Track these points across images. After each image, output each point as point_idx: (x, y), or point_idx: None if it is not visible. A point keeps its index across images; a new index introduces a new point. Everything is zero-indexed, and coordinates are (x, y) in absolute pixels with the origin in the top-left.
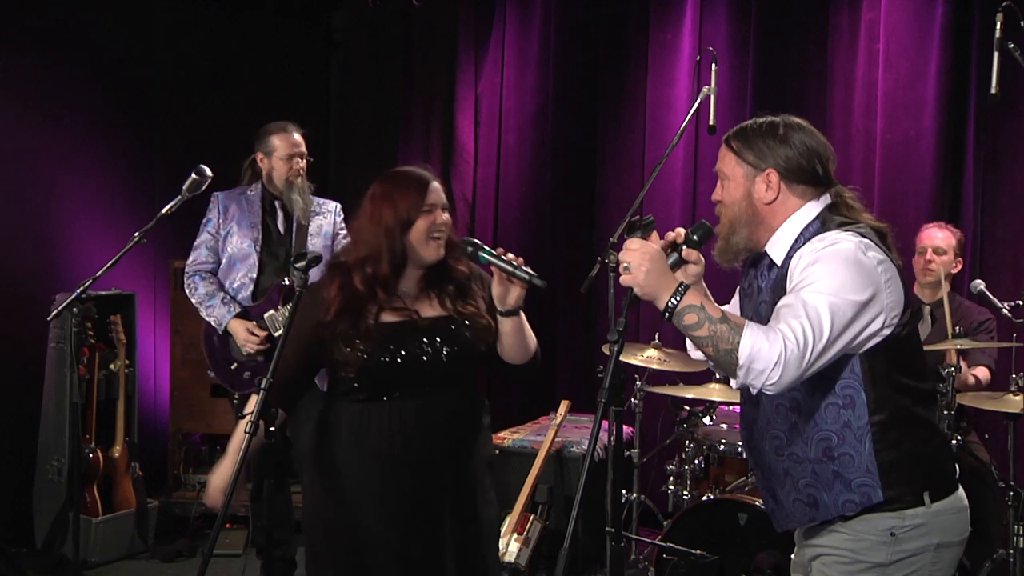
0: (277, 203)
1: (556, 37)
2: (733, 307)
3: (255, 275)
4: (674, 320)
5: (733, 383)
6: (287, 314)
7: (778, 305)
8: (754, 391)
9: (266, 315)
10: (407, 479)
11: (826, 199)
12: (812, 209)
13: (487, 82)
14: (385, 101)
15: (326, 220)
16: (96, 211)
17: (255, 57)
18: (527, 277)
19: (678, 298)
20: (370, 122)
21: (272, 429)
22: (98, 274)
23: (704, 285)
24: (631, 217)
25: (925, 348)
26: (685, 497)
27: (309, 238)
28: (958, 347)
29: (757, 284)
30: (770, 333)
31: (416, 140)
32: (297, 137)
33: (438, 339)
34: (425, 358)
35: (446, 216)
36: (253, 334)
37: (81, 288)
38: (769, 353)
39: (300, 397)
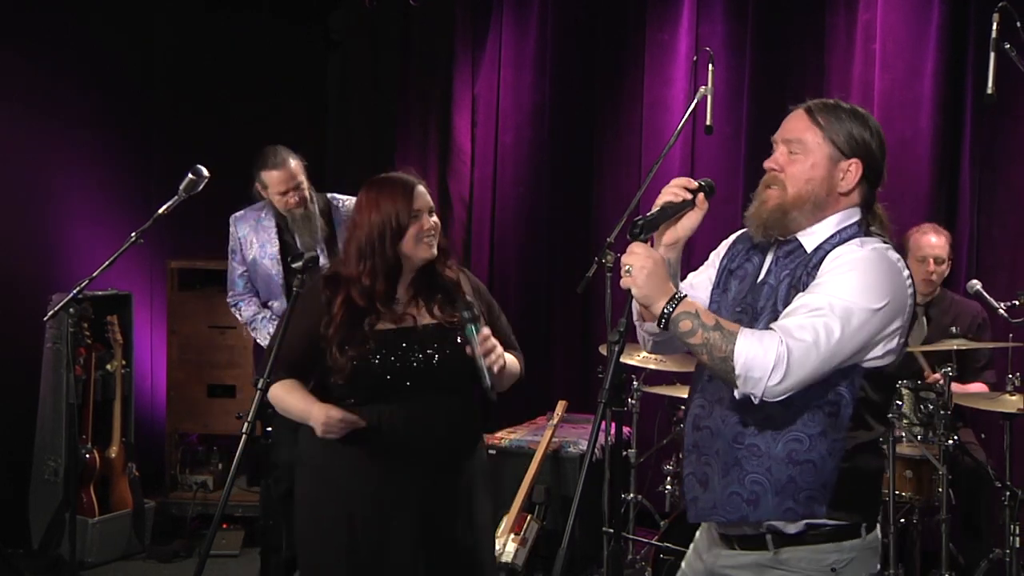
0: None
1: (553, 37)
2: (697, 285)
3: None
4: (669, 328)
5: (735, 393)
6: None
7: (796, 302)
8: (756, 400)
9: None
10: (399, 484)
11: (862, 211)
12: (856, 213)
13: (484, 82)
14: (383, 101)
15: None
16: (93, 211)
17: (253, 57)
18: (483, 378)
19: (673, 305)
20: (367, 122)
21: (269, 429)
22: (95, 274)
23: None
24: (627, 217)
25: (924, 349)
26: None
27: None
28: (956, 347)
29: (755, 266)
30: (765, 337)
31: (413, 140)
32: (289, 168)
33: (430, 347)
34: (417, 365)
35: (434, 219)
36: None
37: (77, 288)
38: (765, 358)
39: (307, 379)
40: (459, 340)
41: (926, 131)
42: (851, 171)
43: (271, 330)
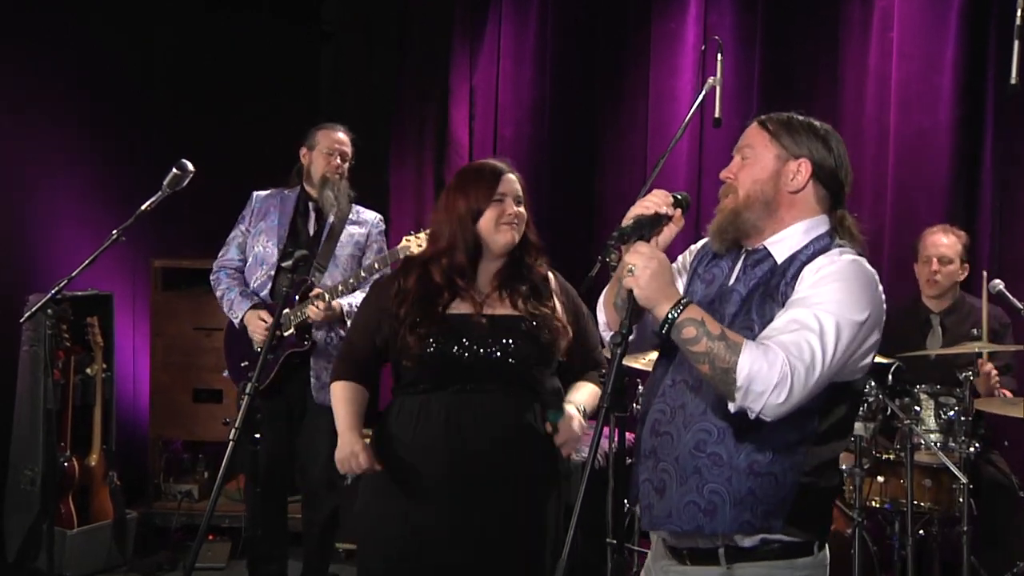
0: (311, 204)
1: (554, 27)
2: None
3: (273, 273)
4: (672, 334)
5: (731, 406)
6: (299, 314)
7: (784, 317)
8: (752, 415)
9: (284, 312)
10: (463, 475)
11: (828, 220)
12: (823, 223)
13: (482, 74)
14: (377, 94)
15: (360, 230)
16: (73, 208)
17: (243, 49)
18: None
19: (678, 310)
20: (361, 115)
21: (258, 436)
22: (74, 274)
23: None
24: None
25: (944, 352)
26: None
27: (339, 247)
28: (977, 350)
29: (723, 272)
30: (770, 352)
31: (409, 134)
32: (342, 136)
33: (506, 337)
34: (489, 354)
35: (520, 208)
36: (264, 322)
37: (56, 288)
38: (769, 374)
39: (372, 375)
40: (539, 336)
41: (945, 123)
42: (800, 171)
43: (242, 304)
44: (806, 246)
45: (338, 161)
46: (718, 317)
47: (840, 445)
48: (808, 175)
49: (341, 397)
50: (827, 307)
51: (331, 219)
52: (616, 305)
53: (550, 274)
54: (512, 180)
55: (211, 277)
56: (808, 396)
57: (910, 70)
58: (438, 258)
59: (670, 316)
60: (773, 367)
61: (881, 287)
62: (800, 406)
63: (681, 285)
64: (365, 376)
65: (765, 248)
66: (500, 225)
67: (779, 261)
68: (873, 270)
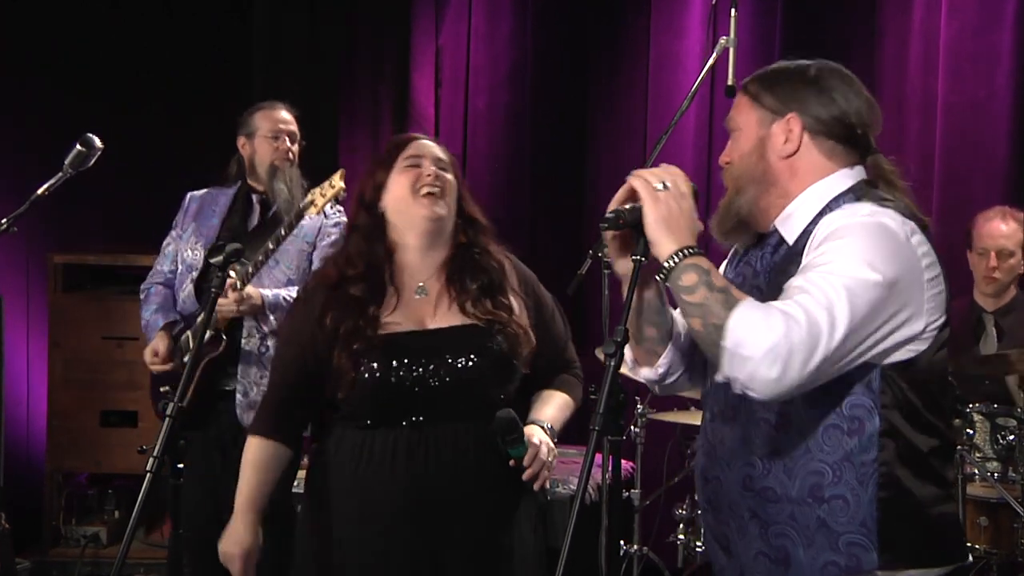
0: (256, 196)
1: None
2: None
3: (194, 284)
4: (671, 278)
5: (718, 376)
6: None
7: (786, 286)
8: (736, 388)
9: (187, 333)
10: (417, 523)
11: (861, 171)
12: (843, 179)
13: (450, 32)
14: (323, 54)
15: (311, 220)
16: None
17: (158, 16)
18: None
19: (686, 253)
20: (304, 81)
21: (180, 467)
22: None
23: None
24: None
25: (993, 360)
26: (698, 549)
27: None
28: None
29: (752, 270)
30: (770, 315)
31: (361, 104)
32: (285, 115)
33: (456, 354)
34: (439, 377)
35: (448, 176)
36: (156, 353)
37: None
38: (762, 338)
39: (300, 427)
40: (496, 348)
41: (1004, 90)
42: (791, 130)
43: (152, 322)
44: (819, 213)
45: (287, 144)
46: None
47: (925, 440)
48: (800, 132)
49: (249, 460)
50: (835, 267)
51: (280, 207)
52: (641, 338)
53: (506, 263)
54: (427, 144)
55: (141, 295)
56: (812, 379)
57: (962, 27)
58: (343, 280)
59: (675, 257)
60: (767, 331)
61: (917, 238)
62: (803, 390)
63: None
64: (288, 429)
65: (775, 230)
66: (418, 193)
67: (791, 242)
68: (900, 220)
